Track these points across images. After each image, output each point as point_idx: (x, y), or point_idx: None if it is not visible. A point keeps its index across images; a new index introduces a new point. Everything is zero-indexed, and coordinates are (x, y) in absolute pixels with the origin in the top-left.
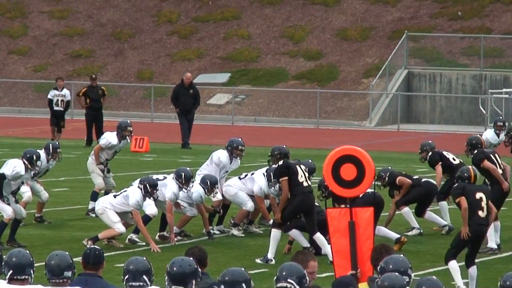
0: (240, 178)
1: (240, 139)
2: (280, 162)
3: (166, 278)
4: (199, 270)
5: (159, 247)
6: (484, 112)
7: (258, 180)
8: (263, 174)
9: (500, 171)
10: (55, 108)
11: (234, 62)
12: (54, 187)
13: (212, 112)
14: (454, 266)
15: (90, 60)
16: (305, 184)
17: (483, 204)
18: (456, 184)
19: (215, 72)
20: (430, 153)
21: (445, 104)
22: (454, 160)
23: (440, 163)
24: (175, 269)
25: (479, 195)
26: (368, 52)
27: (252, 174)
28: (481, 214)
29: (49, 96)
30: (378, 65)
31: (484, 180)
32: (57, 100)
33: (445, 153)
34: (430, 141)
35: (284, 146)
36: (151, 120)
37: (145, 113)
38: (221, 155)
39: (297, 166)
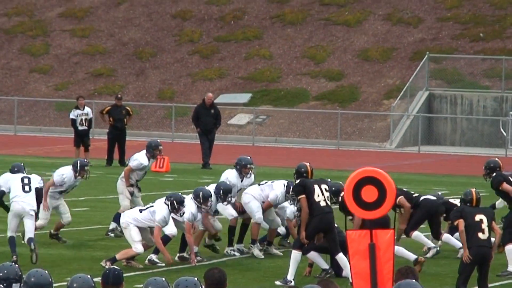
0: (259, 184)
1: (249, 157)
2: (298, 181)
3: None
4: None
5: (179, 268)
6: (505, 134)
7: (276, 188)
8: (284, 184)
9: None
10: (79, 127)
11: (255, 82)
12: (75, 206)
13: (233, 133)
14: None
15: (112, 79)
16: (322, 204)
17: (484, 226)
18: (456, 207)
19: (236, 92)
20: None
21: (466, 126)
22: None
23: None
24: None
25: (479, 217)
26: (389, 73)
27: (273, 182)
28: (482, 236)
29: (71, 116)
30: (399, 86)
31: (493, 204)
32: (81, 119)
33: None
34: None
35: (307, 164)
36: (172, 140)
37: (166, 133)
38: (229, 174)
39: (315, 185)
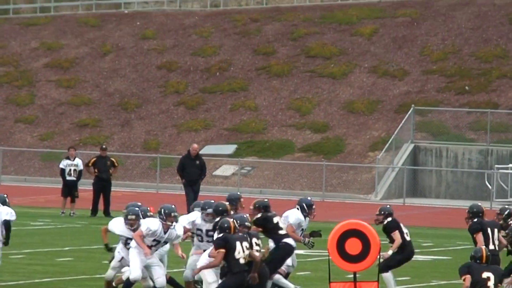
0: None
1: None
2: (259, 215)
3: None
4: None
5: None
6: (490, 187)
7: (292, 214)
8: (296, 208)
9: (492, 247)
10: (68, 178)
11: (240, 133)
12: (59, 256)
13: (218, 184)
14: None
15: (97, 129)
16: (241, 261)
17: (490, 283)
18: (465, 263)
19: (221, 144)
20: (389, 218)
21: (451, 178)
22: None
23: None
24: None
25: (486, 274)
26: (374, 125)
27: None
28: None
29: (61, 166)
30: (385, 138)
31: (495, 258)
32: (70, 169)
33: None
34: (388, 206)
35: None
36: (156, 190)
37: (151, 184)
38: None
39: (237, 242)
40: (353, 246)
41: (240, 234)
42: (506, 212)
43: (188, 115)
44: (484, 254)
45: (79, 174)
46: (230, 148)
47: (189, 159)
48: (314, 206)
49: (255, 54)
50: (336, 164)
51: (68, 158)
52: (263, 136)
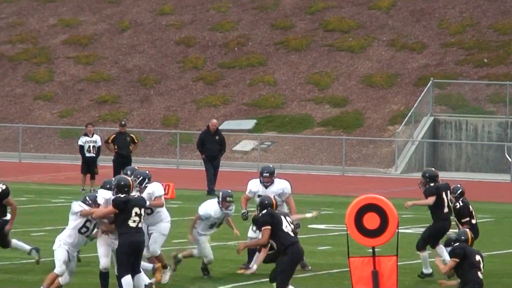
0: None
1: (229, 191)
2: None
3: None
4: None
5: None
6: (510, 159)
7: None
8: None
9: (446, 210)
10: (87, 154)
11: (259, 108)
12: None
13: (238, 159)
14: None
15: (116, 106)
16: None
17: (481, 266)
18: (459, 244)
19: (241, 119)
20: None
21: (471, 151)
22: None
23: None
24: None
25: (477, 257)
26: (393, 99)
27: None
28: (481, 276)
29: (80, 143)
30: (404, 112)
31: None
32: (89, 146)
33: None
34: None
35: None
36: (177, 166)
37: (171, 160)
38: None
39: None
40: (371, 220)
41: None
42: (458, 191)
43: (207, 90)
44: (470, 237)
45: (98, 150)
46: (249, 123)
47: (208, 134)
48: (266, 174)
49: (273, 29)
50: (356, 138)
51: (86, 134)
52: (282, 111)
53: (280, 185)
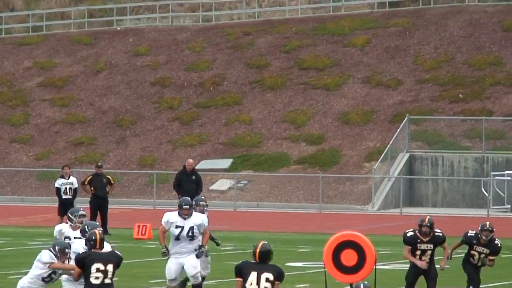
0: None
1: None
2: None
3: None
4: None
5: None
6: (486, 194)
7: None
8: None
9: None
10: (64, 196)
11: (236, 147)
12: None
13: (214, 198)
14: None
15: (92, 147)
16: None
17: None
18: None
19: (217, 158)
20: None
21: (448, 187)
22: None
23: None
24: None
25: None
26: (369, 135)
27: None
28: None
29: (56, 185)
30: (380, 148)
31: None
32: (65, 188)
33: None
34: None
35: None
36: (153, 207)
37: (147, 200)
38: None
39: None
40: (349, 257)
41: None
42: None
43: (183, 130)
44: None
45: (75, 192)
46: (226, 163)
47: (185, 174)
48: (185, 206)
49: (248, 68)
50: (332, 175)
51: (63, 176)
52: (259, 149)
53: (199, 217)
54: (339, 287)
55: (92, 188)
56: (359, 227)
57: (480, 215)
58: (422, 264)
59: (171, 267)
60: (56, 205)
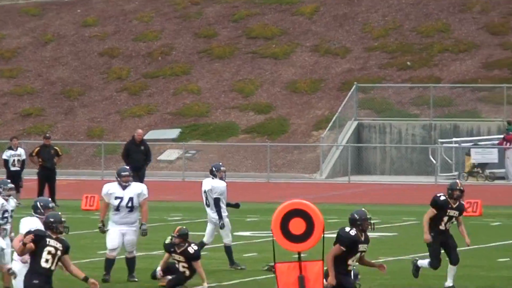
0: None
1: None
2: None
3: None
4: None
5: None
6: (434, 162)
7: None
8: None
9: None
10: (12, 168)
11: (184, 117)
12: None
13: (163, 168)
14: None
15: (40, 119)
16: None
17: None
18: None
19: (165, 128)
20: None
21: (396, 154)
22: None
23: None
24: None
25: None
26: (318, 104)
27: None
28: None
29: (4, 157)
30: (328, 117)
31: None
32: (13, 160)
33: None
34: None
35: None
36: (101, 177)
37: (96, 171)
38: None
39: None
40: (297, 226)
41: None
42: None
43: (131, 101)
44: None
45: (23, 163)
46: (174, 132)
47: (133, 145)
48: (123, 173)
49: (196, 37)
50: (281, 144)
51: (11, 148)
52: (207, 119)
53: (138, 187)
54: (287, 256)
55: (40, 160)
56: (307, 195)
57: (428, 183)
58: (427, 238)
59: (113, 237)
60: (4, 176)
